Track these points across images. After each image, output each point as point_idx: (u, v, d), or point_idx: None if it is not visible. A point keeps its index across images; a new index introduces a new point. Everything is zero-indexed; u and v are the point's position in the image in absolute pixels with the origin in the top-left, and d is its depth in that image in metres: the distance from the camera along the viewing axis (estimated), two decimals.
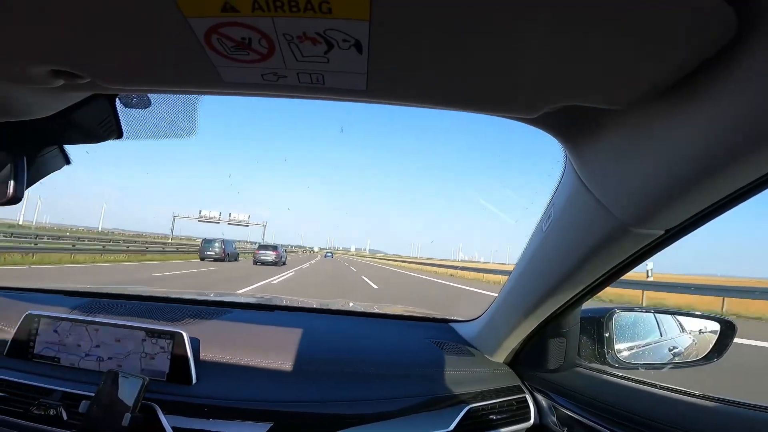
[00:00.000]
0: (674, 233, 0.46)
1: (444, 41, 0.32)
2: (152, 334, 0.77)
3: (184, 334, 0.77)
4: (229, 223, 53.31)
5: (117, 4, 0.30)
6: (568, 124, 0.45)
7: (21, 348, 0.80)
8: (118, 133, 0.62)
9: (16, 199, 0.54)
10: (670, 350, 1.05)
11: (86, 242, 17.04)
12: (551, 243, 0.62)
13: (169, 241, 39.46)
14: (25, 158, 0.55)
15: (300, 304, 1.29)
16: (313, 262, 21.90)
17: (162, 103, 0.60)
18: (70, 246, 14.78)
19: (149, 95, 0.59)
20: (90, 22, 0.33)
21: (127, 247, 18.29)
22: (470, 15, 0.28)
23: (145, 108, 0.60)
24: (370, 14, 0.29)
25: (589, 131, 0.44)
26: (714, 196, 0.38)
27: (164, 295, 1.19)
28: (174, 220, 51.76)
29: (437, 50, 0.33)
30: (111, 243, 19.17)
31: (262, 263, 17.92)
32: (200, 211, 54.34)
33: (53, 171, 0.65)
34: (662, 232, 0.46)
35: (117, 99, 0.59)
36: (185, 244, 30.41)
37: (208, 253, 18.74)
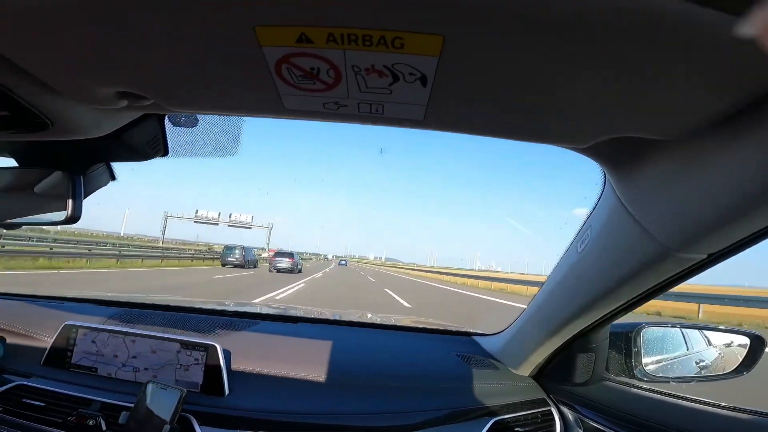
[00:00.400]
0: (717, 257, 0.48)
1: (507, 77, 0.34)
2: (187, 345, 0.81)
3: (218, 347, 0.81)
4: (229, 225, 49.97)
5: (195, 31, 0.32)
6: (613, 151, 0.47)
7: (58, 357, 0.85)
8: (165, 151, 0.66)
9: (74, 218, 0.58)
10: (696, 363, 1.08)
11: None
12: (587, 264, 0.64)
13: (160, 244, 37.46)
14: (81, 177, 0.59)
15: (322, 316, 1.33)
16: (316, 277, 18.04)
17: (208, 123, 0.64)
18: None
19: (197, 115, 0.62)
20: (164, 47, 0.34)
21: (120, 251, 18.85)
22: (535, 54, 0.30)
23: (192, 127, 0.64)
24: (441, 50, 0.31)
25: (635, 159, 0.46)
26: (762, 222, 0.40)
27: (194, 305, 1.24)
28: (166, 220, 47.83)
29: (499, 85, 0.35)
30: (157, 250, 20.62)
31: (278, 270, 18.67)
32: (197, 211, 50.15)
33: (99, 188, 0.69)
34: (705, 257, 0.48)
35: (166, 117, 0.63)
36: (204, 250, 30.47)
37: (229, 259, 20.46)
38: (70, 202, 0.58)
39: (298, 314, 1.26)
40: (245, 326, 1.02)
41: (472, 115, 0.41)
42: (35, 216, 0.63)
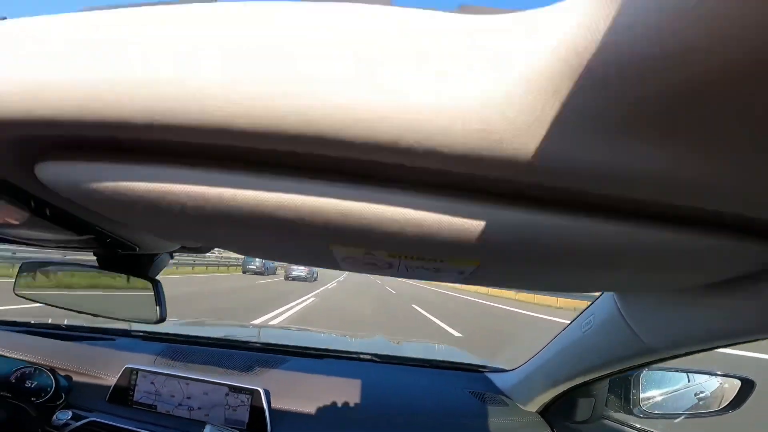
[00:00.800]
0: (694, 353, 0.61)
1: (526, 269, 0.42)
2: (235, 389, 0.98)
3: (261, 391, 0.98)
4: None
5: (279, 237, 0.38)
6: None
7: (121, 395, 1.02)
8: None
9: (162, 319, 0.72)
10: (696, 395, 1.23)
11: None
12: (589, 342, 0.80)
13: None
14: (159, 282, 0.73)
15: (346, 347, 1.50)
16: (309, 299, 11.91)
17: None
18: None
19: None
20: (250, 245, 0.44)
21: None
22: (546, 260, 0.38)
23: None
24: (479, 263, 0.40)
25: None
26: (743, 339, 0.51)
27: (230, 338, 1.46)
28: None
29: (520, 273, 0.45)
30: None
31: (294, 279, 19.74)
32: None
33: (162, 269, 0.84)
34: (683, 353, 0.61)
35: None
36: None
37: (250, 267, 22.59)
38: (158, 308, 0.71)
39: (324, 346, 1.44)
40: (278, 363, 1.19)
41: (497, 278, 0.52)
42: (125, 314, 0.77)
